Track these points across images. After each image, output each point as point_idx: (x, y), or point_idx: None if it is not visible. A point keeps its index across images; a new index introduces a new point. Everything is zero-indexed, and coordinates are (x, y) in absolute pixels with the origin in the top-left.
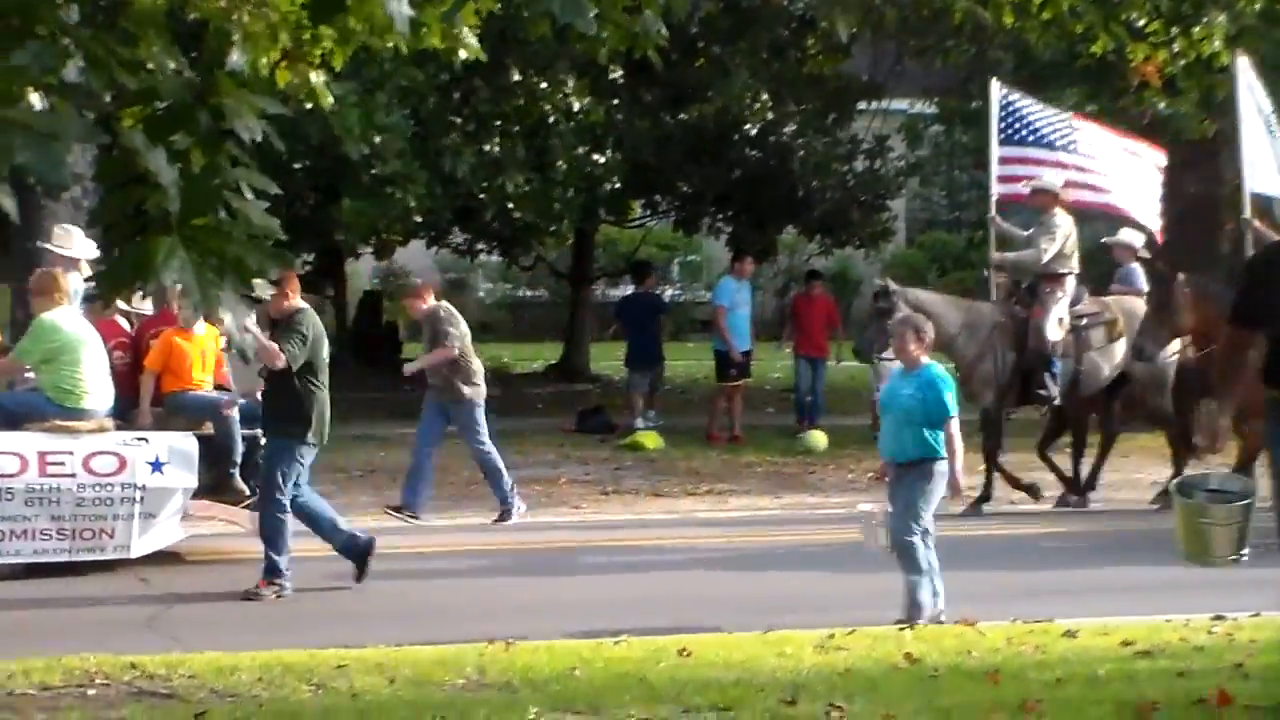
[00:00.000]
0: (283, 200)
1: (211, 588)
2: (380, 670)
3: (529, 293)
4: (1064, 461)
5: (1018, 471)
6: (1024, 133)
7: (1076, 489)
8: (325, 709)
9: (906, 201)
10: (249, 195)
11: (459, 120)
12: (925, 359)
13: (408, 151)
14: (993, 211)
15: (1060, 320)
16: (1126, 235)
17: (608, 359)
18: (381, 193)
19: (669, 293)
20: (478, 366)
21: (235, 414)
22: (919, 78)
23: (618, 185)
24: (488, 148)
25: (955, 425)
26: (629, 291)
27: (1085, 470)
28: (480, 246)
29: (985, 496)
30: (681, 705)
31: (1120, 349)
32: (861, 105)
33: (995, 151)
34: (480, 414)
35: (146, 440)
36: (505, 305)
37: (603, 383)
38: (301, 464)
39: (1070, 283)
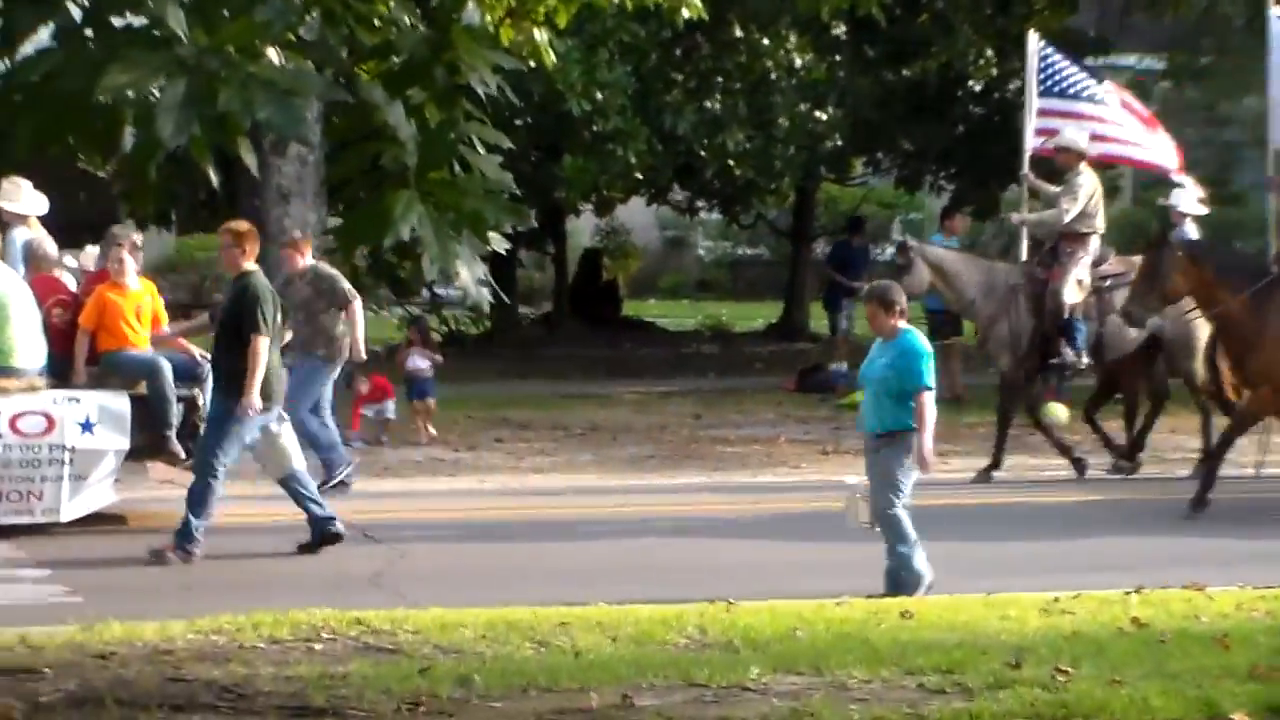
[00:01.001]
0: (505, 157)
1: (436, 544)
2: (602, 628)
3: (749, 251)
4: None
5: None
6: (1063, 85)
7: (1128, 454)
8: (548, 666)
9: None
10: (482, 150)
11: (680, 77)
12: (901, 326)
13: (629, 108)
14: (1025, 168)
15: (1080, 282)
16: (1181, 199)
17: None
18: (602, 150)
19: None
20: (340, 331)
21: (169, 373)
22: (1147, 32)
23: (839, 142)
24: (709, 104)
25: (929, 397)
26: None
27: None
28: (700, 204)
29: (995, 463)
30: (904, 667)
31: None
32: (1088, 61)
33: (1033, 105)
34: (324, 379)
35: (77, 400)
36: (725, 263)
37: (823, 341)
38: (249, 429)
39: (1093, 242)
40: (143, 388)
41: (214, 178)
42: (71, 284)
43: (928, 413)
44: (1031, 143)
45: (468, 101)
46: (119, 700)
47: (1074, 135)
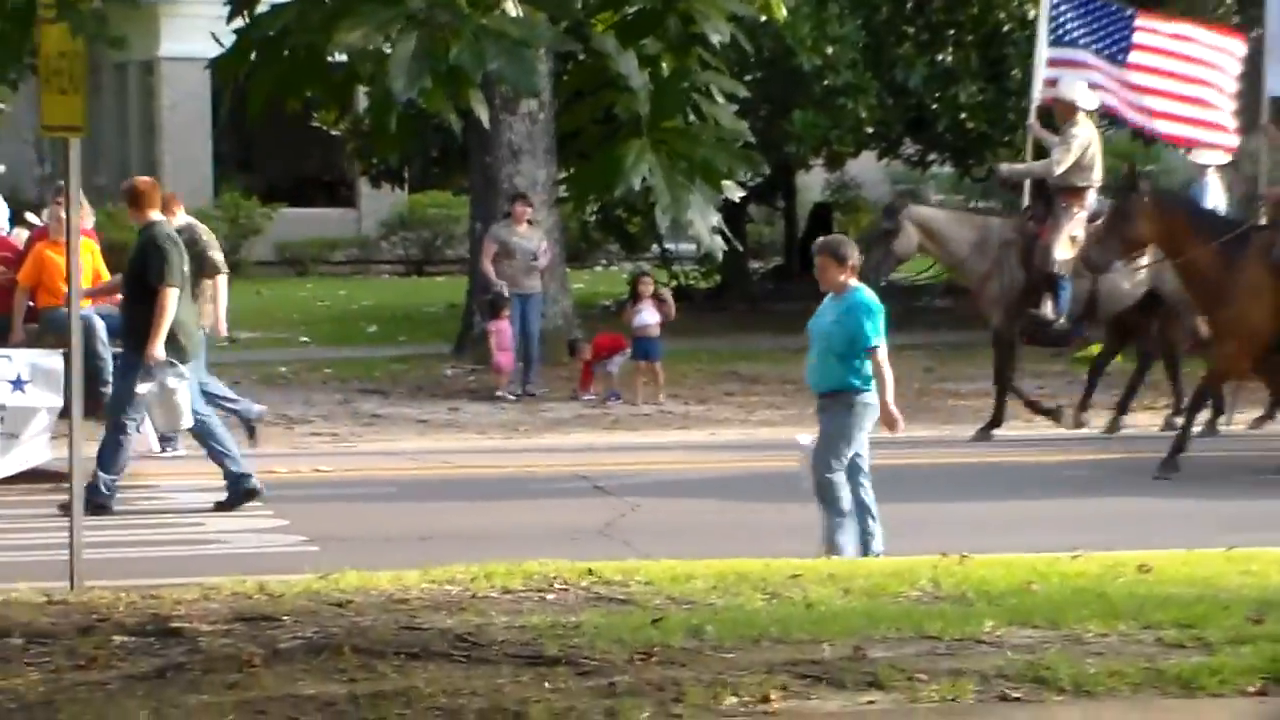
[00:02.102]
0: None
1: (667, 497)
2: (834, 581)
3: (982, 204)
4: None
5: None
6: (1076, 33)
7: (1176, 411)
8: (780, 618)
9: None
10: (718, 99)
11: (911, 30)
12: (852, 283)
13: (859, 62)
14: (1032, 118)
15: (1074, 238)
16: (1203, 156)
17: None
18: (833, 104)
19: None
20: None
21: (103, 331)
22: None
23: None
24: (940, 57)
25: (882, 354)
26: None
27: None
28: (932, 158)
29: (995, 421)
30: (1142, 622)
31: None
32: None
33: (1042, 53)
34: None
35: (9, 358)
36: None
37: None
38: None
39: (1090, 197)
40: None
41: (456, 127)
42: (12, 240)
43: (885, 371)
44: (1038, 92)
45: (702, 50)
46: (355, 648)
47: (1068, 87)
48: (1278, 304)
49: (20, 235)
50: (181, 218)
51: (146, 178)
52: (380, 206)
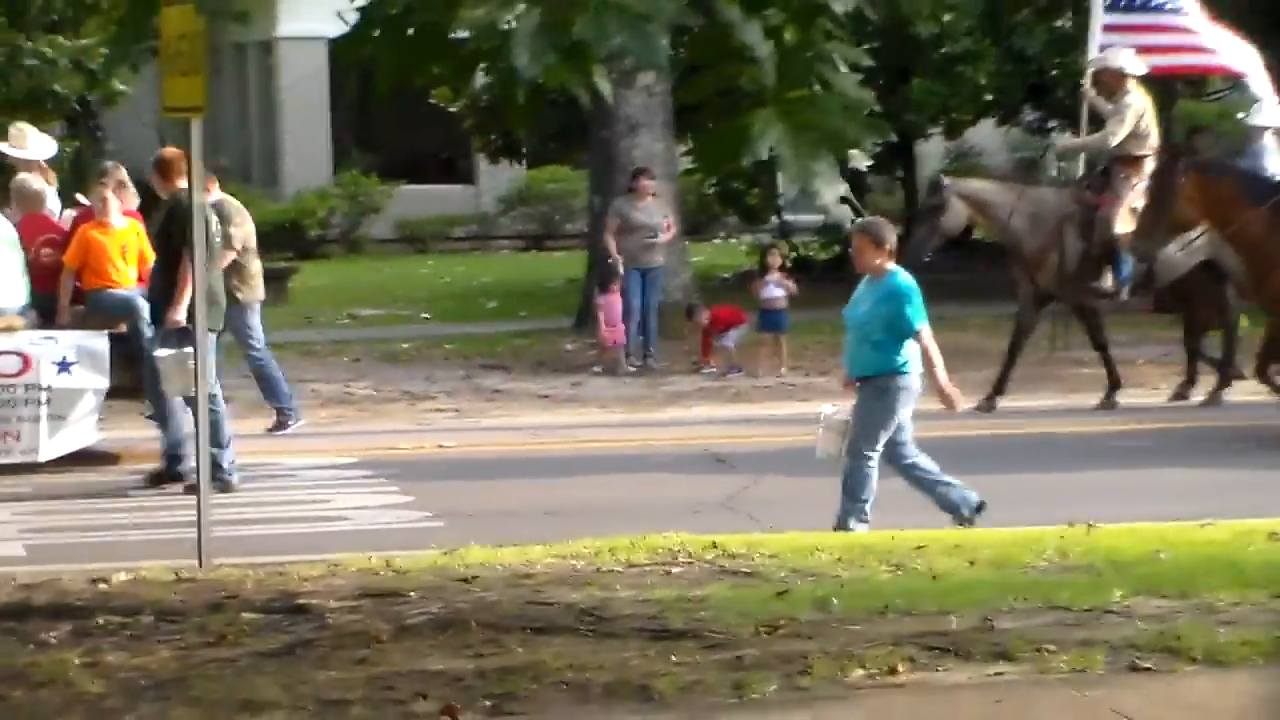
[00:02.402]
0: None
1: (788, 469)
2: (959, 551)
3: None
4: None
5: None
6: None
7: (1190, 382)
8: (906, 589)
9: None
10: (842, 68)
11: None
12: (888, 266)
13: (978, 29)
14: (1087, 84)
15: (1134, 210)
16: (1261, 112)
17: None
18: (951, 72)
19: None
20: (256, 269)
21: (148, 312)
22: None
23: None
24: (1060, 23)
25: (926, 335)
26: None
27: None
28: (1052, 125)
29: (1114, 385)
30: (1274, 591)
31: (1203, 237)
32: None
33: (1098, 19)
34: (255, 319)
35: (54, 340)
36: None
37: None
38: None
39: (1148, 165)
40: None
41: (583, 100)
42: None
43: (933, 350)
44: (1093, 59)
45: (828, 20)
46: (482, 623)
47: (1115, 55)
48: None
49: (69, 217)
50: (215, 194)
51: (174, 148)
52: (498, 182)
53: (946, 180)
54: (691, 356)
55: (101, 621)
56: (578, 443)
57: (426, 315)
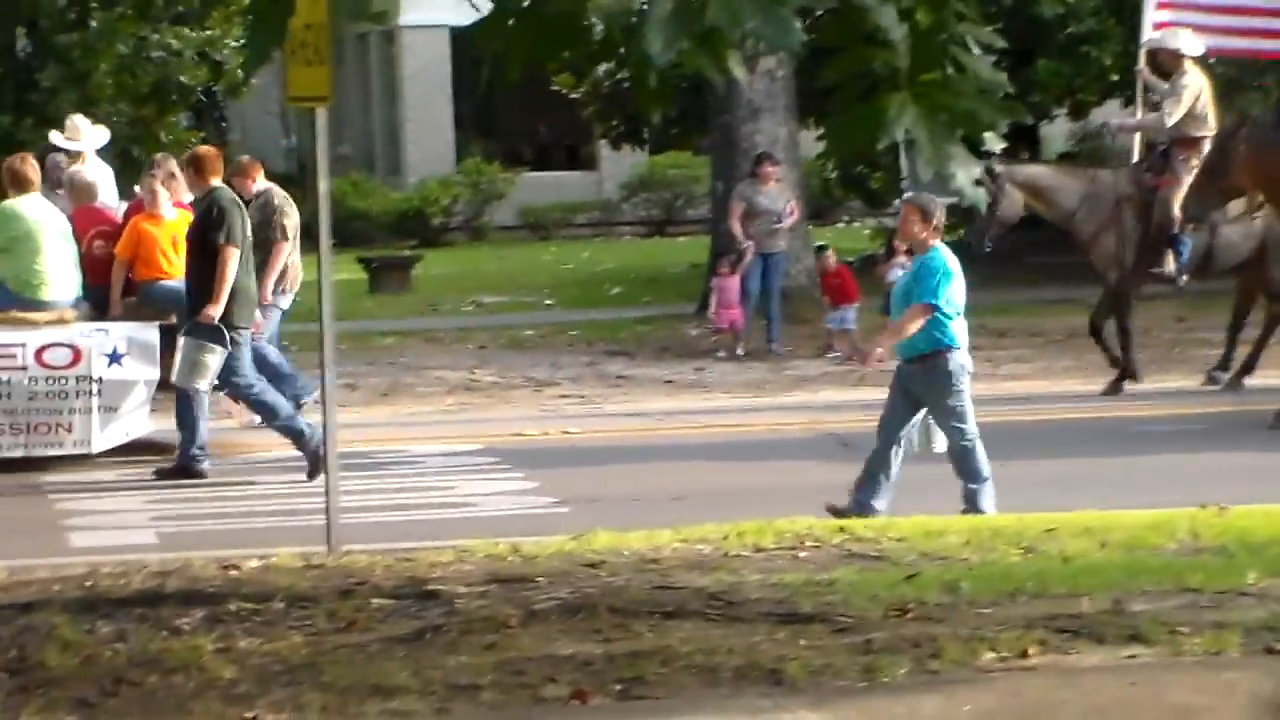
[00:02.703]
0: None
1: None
2: (1090, 534)
3: None
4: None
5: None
6: None
7: (1223, 368)
8: (1036, 572)
9: None
10: (975, 50)
11: None
12: (933, 243)
13: (1104, 9)
14: (1141, 63)
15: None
16: None
17: None
18: (1076, 52)
19: None
20: (290, 264)
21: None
22: None
23: None
24: None
25: (920, 313)
26: None
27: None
28: None
29: (1127, 375)
30: None
31: (1259, 221)
32: None
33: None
34: (275, 319)
35: (105, 331)
36: None
37: None
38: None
39: (1207, 147)
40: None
41: (717, 83)
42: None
43: (908, 326)
44: (1150, 39)
45: (959, 2)
46: (610, 608)
47: (1172, 35)
48: None
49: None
50: (261, 183)
51: (208, 147)
52: (621, 168)
53: (1000, 167)
54: (815, 342)
55: (233, 607)
56: (702, 428)
57: (550, 302)
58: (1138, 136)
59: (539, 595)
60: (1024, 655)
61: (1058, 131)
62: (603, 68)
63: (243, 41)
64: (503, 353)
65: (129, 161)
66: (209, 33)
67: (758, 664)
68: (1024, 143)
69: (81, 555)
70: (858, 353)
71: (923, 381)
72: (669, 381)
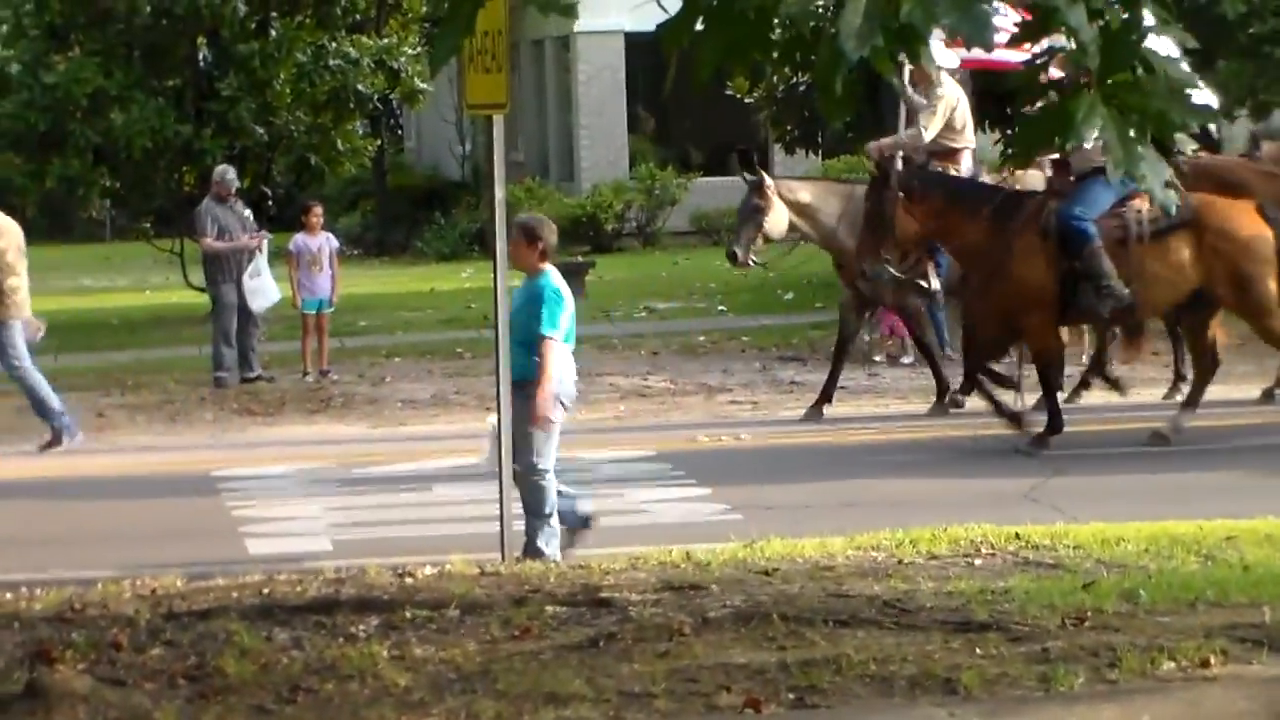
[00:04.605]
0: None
1: (1090, 459)
2: (1270, 542)
3: None
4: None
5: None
6: None
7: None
8: (1216, 580)
9: None
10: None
11: None
12: (543, 266)
13: None
14: (906, 77)
15: None
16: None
17: None
18: (1259, 52)
19: None
20: (14, 284)
21: None
22: None
23: None
24: None
25: (550, 347)
26: None
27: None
28: None
29: (966, 389)
30: None
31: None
32: None
33: None
34: (14, 335)
35: None
36: None
37: None
38: None
39: (966, 159)
40: None
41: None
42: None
43: (549, 364)
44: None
45: (1154, 2)
46: (784, 616)
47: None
48: (1053, 271)
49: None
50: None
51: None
52: (794, 173)
53: (767, 179)
54: None
55: (408, 615)
56: (875, 434)
57: (723, 308)
58: (900, 153)
59: (712, 603)
60: (1204, 665)
61: (1239, 133)
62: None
63: (419, 49)
64: (675, 359)
65: (306, 169)
66: (386, 41)
67: (932, 673)
68: (1202, 142)
69: (258, 562)
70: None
71: (521, 404)
72: (841, 387)
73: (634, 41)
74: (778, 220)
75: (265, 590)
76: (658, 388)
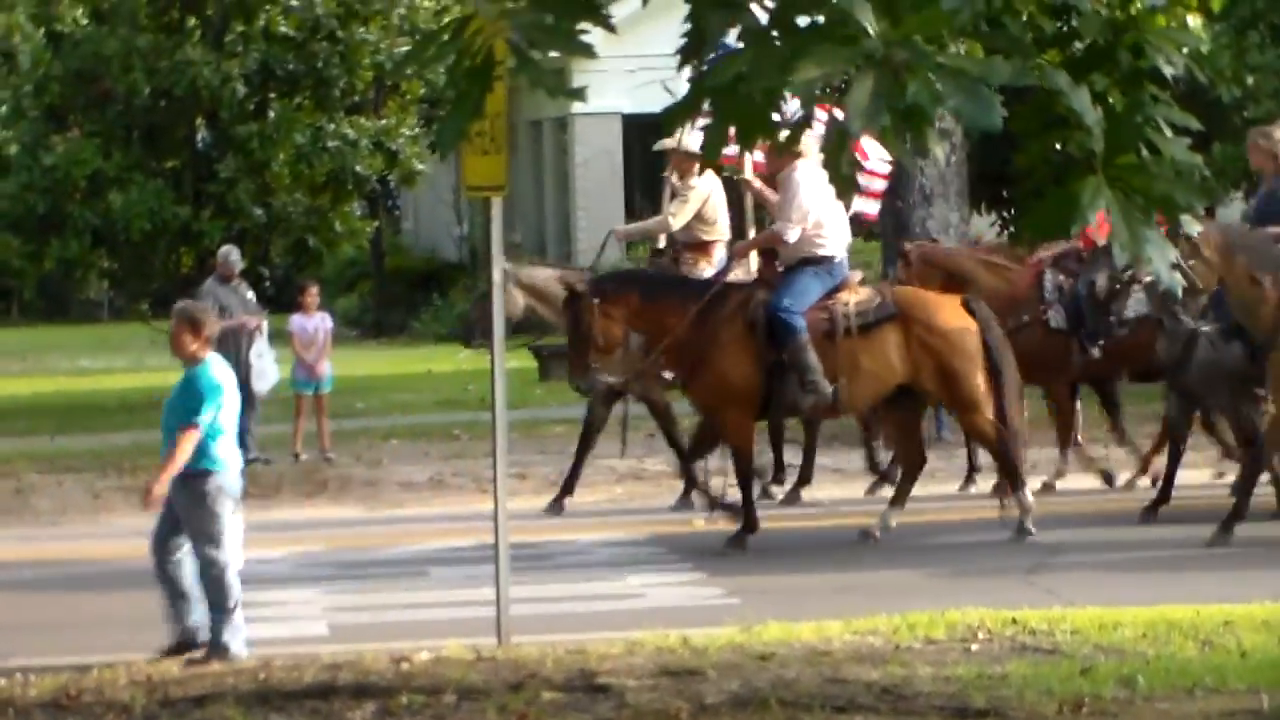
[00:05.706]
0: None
1: (1087, 539)
2: (1268, 628)
3: None
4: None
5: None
6: None
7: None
8: (1214, 666)
9: None
10: (1168, 132)
11: None
12: (204, 355)
13: None
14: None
15: None
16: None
17: None
18: None
19: None
20: None
21: None
22: None
23: None
24: None
25: (190, 436)
26: None
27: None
28: None
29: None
30: None
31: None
32: None
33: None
34: None
35: None
36: None
37: None
38: None
39: (718, 251)
40: None
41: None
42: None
43: (180, 454)
44: (665, 142)
45: (1154, 84)
46: (781, 701)
47: (687, 138)
48: (759, 364)
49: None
50: None
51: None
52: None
53: (508, 265)
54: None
55: (404, 701)
56: (868, 517)
57: None
58: (649, 242)
59: (709, 688)
60: None
61: (1233, 214)
62: None
63: (417, 130)
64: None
65: (304, 250)
66: (384, 122)
67: None
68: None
69: (254, 647)
70: (147, 495)
71: (182, 499)
72: (838, 470)
73: (631, 123)
74: (511, 305)
75: (261, 676)
76: (653, 470)
